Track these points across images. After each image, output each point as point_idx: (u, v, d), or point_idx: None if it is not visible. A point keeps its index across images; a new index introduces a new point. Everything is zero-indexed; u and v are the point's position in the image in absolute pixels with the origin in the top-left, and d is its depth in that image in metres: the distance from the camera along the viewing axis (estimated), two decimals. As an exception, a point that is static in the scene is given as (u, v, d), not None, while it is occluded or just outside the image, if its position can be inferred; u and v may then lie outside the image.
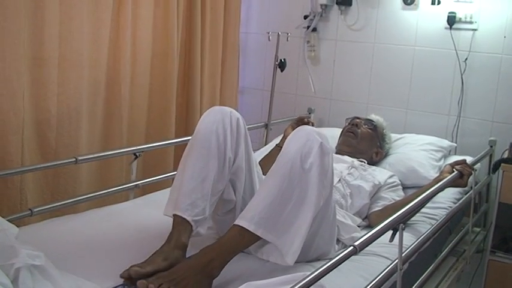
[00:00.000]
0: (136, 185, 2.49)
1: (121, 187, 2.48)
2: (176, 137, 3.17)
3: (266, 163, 2.22)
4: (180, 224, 1.79)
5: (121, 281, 1.65)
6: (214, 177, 1.84)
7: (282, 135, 2.63)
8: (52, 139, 2.55)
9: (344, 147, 2.68)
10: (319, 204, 1.73)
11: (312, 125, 2.43)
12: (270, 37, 3.16)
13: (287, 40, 3.21)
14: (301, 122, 2.47)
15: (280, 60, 3.19)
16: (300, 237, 1.67)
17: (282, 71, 3.23)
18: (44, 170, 2.54)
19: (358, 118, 2.78)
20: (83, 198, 2.34)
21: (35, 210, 2.09)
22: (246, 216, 1.69)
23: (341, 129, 2.88)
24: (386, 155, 2.84)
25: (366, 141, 2.71)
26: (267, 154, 2.51)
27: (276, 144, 2.50)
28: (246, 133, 1.98)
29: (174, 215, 1.81)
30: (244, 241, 1.69)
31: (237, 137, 1.92)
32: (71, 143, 2.62)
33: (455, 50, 3.10)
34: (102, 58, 2.76)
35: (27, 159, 2.43)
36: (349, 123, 2.79)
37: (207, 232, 1.91)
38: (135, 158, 2.46)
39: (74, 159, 2.19)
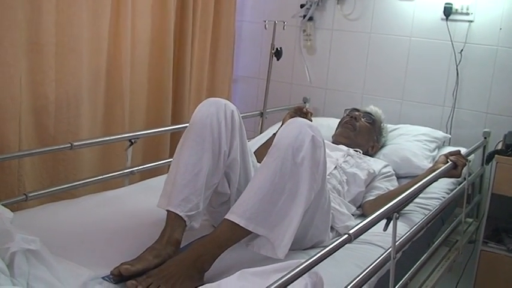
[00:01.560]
0: (131, 171, 2.49)
1: (116, 173, 2.48)
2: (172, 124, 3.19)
3: (262, 152, 2.22)
4: (173, 219, 1.78)
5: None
6: (208, 172, 1.84)
7: (280, 124, 2.63)
8: (51, 126, 2.55)
9: (341, 138, 2.68)
10: (311, 198, 1.73)
11: (311, 115, 2.42)
12: (267, 25, 3.16)
13: (283, 29, 3.20)
14: (299, 111, 2.46)
15: (277, 48, 3.19)
16: (291, 231, 1.67)
17: (278, 59, 3.22)
18: (43, 157, 2.54)
19: (357, 110, 2.78)
20: (78, 184, 2.34)
21: (30, 195, 2.08)
22: (237, 211, 1.68)
23: (336, 119, 2.88)
24: (381, 147, 2.85)
25: (363, 135, 2.71)
26: (264, 143, 2.50)
27: (274, 133, 2.49)
28: (241, 125, 1.97)
29: (168, 211, 1.80)
30: (235, 236, 1.69)
31: (231, 129, 1.91)
32: (70, 129, 2.62)
33: (451, 41, 3.11)
34: (103, 46, 2.75)
35: (25, 146, 2.43)
36: (347, 115, 2.79)
37: (201, 221, 1.92)
38: (130, 145, 2.46)
39: (69, 145, 2.19)
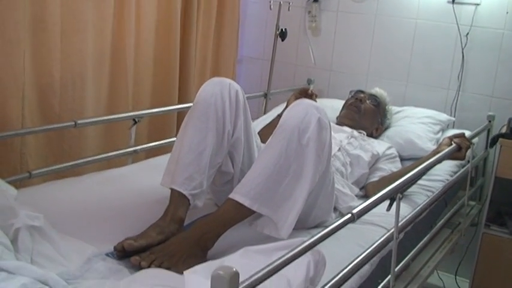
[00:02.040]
0: (135, 150, 2.50)
1: (119, 152, 2.49)
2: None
3: (267, 133, 2.21)
4: (177, 198, 1.79)
5: (119, 244, 1.67)
6: (212, 151, 1.84)
7: (285, 105, 2.62)
8: (56, 104, 2.55)
9: (346, 120, 2.68)
10: (315, 180, 1.73)
11: (315, 97, 2.42)
12: (272, 6, 3.14)
13: (288, 10, 3.18)
14: (304, 92, 2.45)
15: (281, 29, 3.17)
16: (295, 212, 1.67)
17: (282, 40, 3.21)
18: (47, 135, 2.54)
19: (362, 92, 2.77)
20: (81, 162, 2.34)
21: (34, 172, 2.09)
22: (242, 191, 1.68)
23: (340, 101, 2.87)
24: (386, 129, 2.85)
25: (368, 117, 2.71)
26: (268, 124, 2.49)
27: (278, 114, 2.49)
28: (245, 105, 1.97)
29: (171, 189, 1.80)
30: (239, 215, 1.69)
31: (236, 109, 1.91)
32: (75, 108, 2.62)
33: (457, 24, 3.08)
34: (107, 27, 2.74)
35: (28, 124, 2.42)
36: (352, 97, 2.78)
37: (205, 200, 1.92)
38: (134, 124, 2.47)
39: (73, 123, 2.19)
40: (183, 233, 1.69)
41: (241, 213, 1.69)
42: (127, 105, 2.90)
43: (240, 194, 1.67)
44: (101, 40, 2.73)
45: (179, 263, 1.58)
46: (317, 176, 1.73)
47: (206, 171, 1.83)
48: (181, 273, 1.49)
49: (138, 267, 1.54)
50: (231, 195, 1.69)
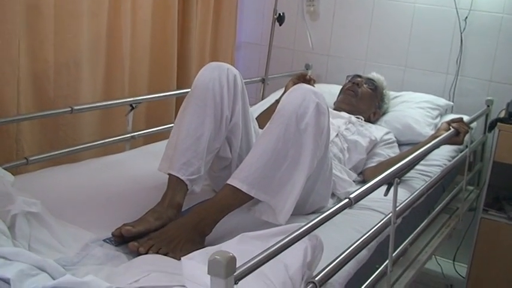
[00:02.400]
0: (132, 136, 2.49)
1: (116, 138, 2.48)
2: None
3: (265, 118, 2.20)
4: (174, 183, 1.78)
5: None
6: (210, 136, 1.83)
7: (283, 91, 2.61)
8: (50, 90, 2.53)
9: (343, 105, 2.67)
10: (313, 165, 1.72)
11: (314, 82, 2.41)
12: (269, -10, 3.13)
13: (286, -6, 3.17)
14: (302, 78, 2.44)
15: (279, 14, 3.16)
16: (293, 197, 1.67)
17: (280, 25, 3.20)
18: (42, 121, 2.53)
19: (359, 77, 2.77)
20: (78, 149, 2.34)
21: (31, 159, 2.08)
22: (240, 176, 1.67)
23: (338, 86, 2.87)
24: (384, 113, 2.84)
25: (365, 101, 2.71)
26: (266, 109, 2.47)
27: (276, 100, 2.48)
28: (244, 90, 1.96)
29: (169, 175, 1.80)
30: (236, 201, 1.69)
31: (234, 94, 1.90)
32: (70, 93, 2.59)
33: (456, 8, 3.06)
34: (103, 9, 2.71)
35: (23, 110, 2.41)
36: (350, 81, 2.77)
37: (203, 186, 1.92)
38: (132, 109, 2.46)
39: (70, 109, 2.18)
40: (180, 218, 1.69)
41: (239, 199, 1.68)
42: (123, 91, 2.88)
43: (237, 180, 1.67)
44: (96, 24, 2.70)
45: (177, 249, 1.58)
46: (315, 162, 1.73)
47: (204, 157, 1.82)
48: (179, 259, 1.49)
49: (136, 253, 1.54)
50: (228, 181, 1.69)
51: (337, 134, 2.36)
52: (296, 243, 1.20)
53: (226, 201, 1.69)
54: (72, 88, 2.61)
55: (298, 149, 1.68)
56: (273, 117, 1.74)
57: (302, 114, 1.68)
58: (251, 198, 1.68)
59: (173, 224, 1.67)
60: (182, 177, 1.78)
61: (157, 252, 1.55)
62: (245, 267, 1.01)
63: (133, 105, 2.46)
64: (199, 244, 1.63)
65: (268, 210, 1.70)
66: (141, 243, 1.57)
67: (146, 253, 1.54)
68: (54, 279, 1.25)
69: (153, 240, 1.59)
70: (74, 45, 2.59)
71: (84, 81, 2.67)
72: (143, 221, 1.66)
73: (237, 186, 1.66)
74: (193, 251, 1.52)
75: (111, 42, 2.80)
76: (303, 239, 1.24)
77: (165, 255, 1.55)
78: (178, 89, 3.19)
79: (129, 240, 1.58)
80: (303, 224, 1.26)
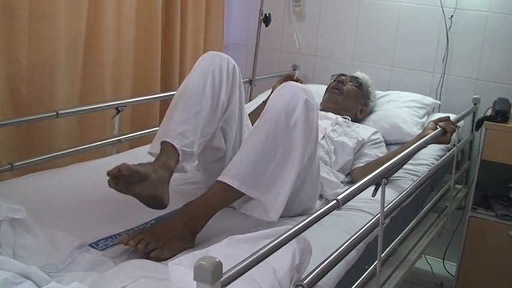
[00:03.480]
0: (119, 139, 2.47)
1: (103, 142, 2.46)
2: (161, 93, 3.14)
3: (253, 119, 2.20)
4: (168, 150, 1.75)
5: (103, 235, 1.65)
6: (206, 116, 1.83)
7: (270, 91, 2.60)
8: (24, 91, 2.47)
9: (329, 104, 2.68)
10: (304, 161, 1.73)
11: (300, 83, 2.41)
12: (255, -9, 3.12)
13: (272, -6, 3.17)
14: (289, 78, 2.45)
15: (265, 14, 3.15)
16: (284, 194, 1.67)
17: (266, 25, 3.19)
18: (17, 125, 2.46)
19: (343, 75, 2.77)
20: (66, 153, 2.31)
21: (16, 164, 2.05)
22: (230, 173, 1.68)
23: (326, 86, 2.86)
24: (370, 112, 2.84)
25: (351, 99, 2.71)
26: (254, 110, 2.48)
27: (263, 101, 2.48)
28: (241, 83, 1.98)
29: (163, 142, 1.77)
30: (227, 197, 1.69)
31: (232, 83, 1.92)
32: (44, 95, 2.54)
33: (441, 6, 3.07)
34: (82, 9, 2.67)
35: (-2, 112, 2.37)
36: (334, 80, 2.77)
37: (193, 189, 1.91)
38: (117, 113, 2.44)
39: (55, 113, 2.16)
40: (172, 216, 1.68)
41: (230, 196, 1.68)
42: (103, 94, 2.83)
43: (228, 176, 1.67)
44: (73, 24, 2.65)
45: (166, 246, 1.57)
46: (305, 158, 1.73)
47: (198, 133, 1.81)
48: (166, 257, 1.52)
49: (122, 259, 1.52)
50: (219, 178, 1.69)
51: (323, 136, 2.35)
52: (284, 246, 1.19)
53: (217, 197, 1.68)
54: (47, 90, 2.55)
55: (288, 145, 1.69)
56: (263, 114, 1.75)
57: (291, 110, 1.69)
58: (242, 194, 1.68)
59: (164, 221, 1.67)
60: (176, 145, 1.75)
61: (146, 247, 1.54)
62: (232, 272, 1.00)
63: (120, 109, 2.44)
64: (190, 242, 1.63)
65: (260, 207, 1.70)
66: (131, 236, 1.56)
67: (135, 246, 1.53)
68: (39, 287, 1.24)
69: (144, 234, 1.58)
70: (50, 46, 2.53)
71: (60, 83, 2.61)
72: (142, 165, 1.63)
73: (228, 183, 1.66)
74: (183, 249, 1.53)
75: (89, 44, 2.75)
76: (291, 241, 1.23)
77: (153, 251, 1.54)
78: (162, 92, 3.16)
79: (123, 190, 1.57)
80: (291, 226, 1.25)
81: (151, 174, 1.61)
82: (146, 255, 1.55)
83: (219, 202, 1.69)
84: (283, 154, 1.68)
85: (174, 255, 1.56)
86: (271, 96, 1.81)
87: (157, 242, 1.56)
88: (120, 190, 1.58)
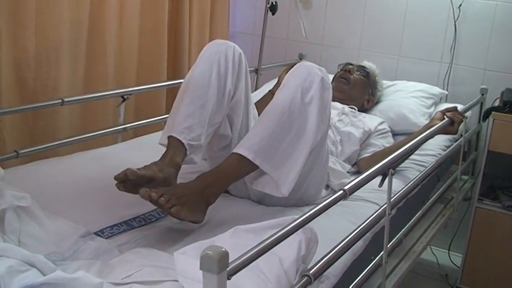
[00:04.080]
0: (124, 128, 2.47)
1: (109, 130, 2.46)
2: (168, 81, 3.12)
3: (259, 108, 2.20)
4: (175, 145, 1.77)
5: (108, 223, 1.65)
6: (212, 107, 1.83)
7: (276, 81, 2.59)
8: (30, 79, 2.47)
9: (336, 93, 2.64)
10: (317, 138, 1.74)
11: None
12: (262, -21, 3.10)
13: (279, -18, 3.14)
14: None
15: (272, 3, 3.13)
16: (296, 169, 1.69)
17: (273, 14, 3.17)
18: (23, 112, 2.47)
19: (350, 64, 2.75)
20: (71, 140, 2.31)
21: (21, 152, 2.05)
22: (245, 145, 1.69)
23: (332, 76, 2.85)
24: (377, 102, 2.83)
25: (358, 88, 2.69)
26: (260, 99, 2.46)
27: (269, 90, 2.46)
28: (247, 71, 1.98)
29: (169, 137, 1.78)
30: (241, 169, 1.70)
31: (238, 71, 1.92)
32: (50, 83, 2.54)
33: (450, -4, 3.05)
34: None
35: (5, 100, 2.36)
36: (341, 69, 2.76)
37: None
38: (123, 101, 2.43)
39: (60, 101, 2.15)
40: (188, 182, 1.68)
41: (244, 167, 1.69)
42: (106, 81, 2.81)
43: (243, 148, 1.68)
44: (77, 12, 2.63)
45: (185, 206, 1.56)
46: (318, 135, 1.74)
47: (205, 126, 1.82)
48: (184, 217, 1.55)
49: (127, 247, 1.52)
50: (234, 150, 1.70)
51: (329, 126, 2.34)
52: (290, 237, 1.18)
53: (232, 168, 1.70)
54: (52, 78, 2.55)
55: (302, 121, 1.71)
56: (279, 91, 1.77)
57: (307, 87, 1.72)
58: (255, 167, 1.68)
59: (180, 185, 1.66)
60: (183, 141, 1.76)
61: (167, 201, 1.53)
62: (238, 262, 0.99)
63: (125, 97, 2.43)
64: (202, 214, 1.63)
65: (271, 183, 1.71)
66: (152, 190, 1.56)
67: (158, 199, 1.53)
68: (44, 275, 1.23)
69: (163, 191, 1.57)
70: (54, 34, 2.53)
71: (64, 71, 2.61)
72: (147, 167, 1.65)
73: (243, 154, 1.67)
74: (198, 215, 1.58)
75: (93, 31, 2.74)
76: (297, 232, 1.23)
77: (173, 206, 1.54)
78: (169, 80, 3.14)
79: (132, 191, 1.60)
80: (297, 216, 1.24)
81: (157, 176, 1.64)
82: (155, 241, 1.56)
83: (233, 173, 1.70)
84: (298, 129, 1.70)
85: (189, 219, 1.58)
86: (287, 75, 1.82)
87: (178, 200, 1.56)
88: (128, 192, 1.62)
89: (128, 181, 1.60)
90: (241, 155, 1.67)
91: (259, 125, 1.74)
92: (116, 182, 1.62)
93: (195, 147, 1.79)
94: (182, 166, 1.79)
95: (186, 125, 1.78)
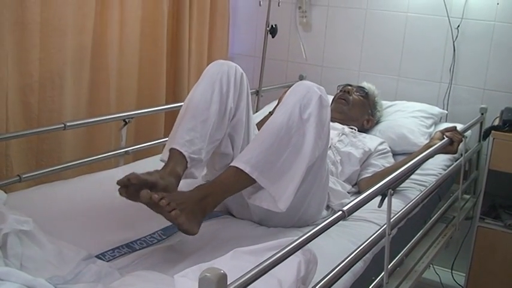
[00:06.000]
0: (126, 151, 2.48)
1: (111, 153, 2.46)
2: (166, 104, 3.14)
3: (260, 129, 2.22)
4: (176, 157, 1.78)
5: (110, 246, 1.66)
6: (213, 123, 1.85)
7: (277, 102, 2.60)
8: (35, 104, 2.50)
9: (335, 114, 2.67)
10: (315, 155, 1.76)
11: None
12: (261, 2, 3.13)
13: (278, 5, 3.18)
14: None
15: (272, 26, 3.16)
16: (293, 185, 1.70)
17: (273, 37, 3.20)
18: (28, 137, 2.49)
19: (350, 85, 2.78)
20: (74, 164, 2.31)
21: (24, 176, 2.06)
22: (243, 159, 1.71)
23: (332, 97, 2.87)
24: (377, 122, 2.84)
25: (357, 109, 2.71)
26: (260, 121, 2.48)
27: (269, 112, 2.49)
28: (248, 91, 2.01)
29: (171, 149, 1.80)
30: (238, 182, 1.72)
31: (240, 91, 1.95)
32: (54, 108, 2.56)
33: (448, 16, 3.07)
34: (88, 23, 2.69)
35: (11, 125, 2.38)
36: (340, 90, 2.78)
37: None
38: (125, 124, 2.45)
39: (63, 125, 2.17)
40: (186, 191, 1.69)
41: (241, 181, 1.71)
42: (108, 106, 2.84)
43: (240, 161, 1.71)
44: (80, 38, 2.67)
45: (184, 212, 1.58)
46: (316, 152, 1.76)
47: (206, 141, 1.84)
48: (182, 222, 1.56)
49: (128, 270, 1.52)
50: (232, 163, 1.73)
51: (329, 146, 2.35)
52: (289, 258, 1.19)
53: (229, 181, 1.71)
54: (57, 102, 2.57)
55: (300, 137, 1.74)
56: (277, 108, 1.81)
57: (305, 104, 1.76)
58: (253, 181, 1.70)
59: (180, 193, 1.68)
60: (184, 153, 1.78)
61: (168, 204, 1.55)
62: (237, 283, 1.00)
63: (127, 120, 2.45)
64: (198, 224, 1.64)
65: (269, 197, 1.72)
66: (154, 192, 1.57)
67: (159, 202, 1.54)
68: (46, 299, 1.24)
69: (163, 194, 1.58)
70: (58, 59, 2.56)
71: (68, 96, 2.63)
72: (149, 173, 1.66)
73: (240, 167, 1.69)
74: (194, 224, 1.59)
75: (96, 57, 2.77)
76: (296, 253, 1.23)
77: (173, 210, 1.55)
78: (168, 103, 3.16)
79: (134, 198, 1.61)
80: (296, 237, 1.25)
81: (159, 182, 1.65)
82: (151, 267, 1.55)
83: (231, 186, 1.72)
84: (296, 145, 1.73)
85: (185, 226, 1.59)
86: (286, 93, 1.85)
87: (178, 205, 1.58)
88: (130, 198, 1.62)
89: (131, 186, 1.61)
90: (238, 168, 1.69)
91: (258, 139, 1.77)
92: (119, 187, 1.63)
93: (196, 160, 1.81)
94: (184, 183, 1.80)
95: (188, 138, 1.80)
